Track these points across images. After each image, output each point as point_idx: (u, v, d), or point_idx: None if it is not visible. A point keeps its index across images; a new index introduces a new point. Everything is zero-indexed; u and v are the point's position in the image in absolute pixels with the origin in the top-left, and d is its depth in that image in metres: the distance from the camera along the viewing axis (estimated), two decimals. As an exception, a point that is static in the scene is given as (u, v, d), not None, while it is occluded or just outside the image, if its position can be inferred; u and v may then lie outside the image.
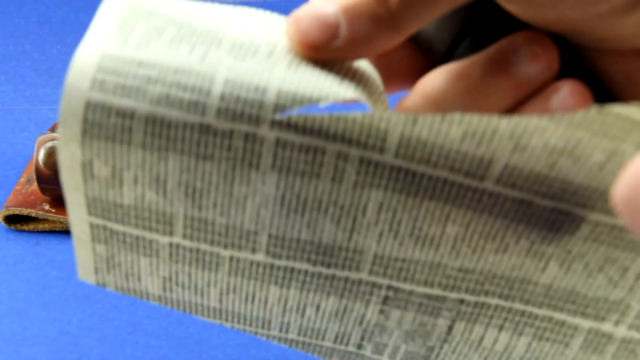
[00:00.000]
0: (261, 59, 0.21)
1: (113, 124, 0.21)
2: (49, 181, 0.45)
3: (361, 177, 0.22)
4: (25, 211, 0.46)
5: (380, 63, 0.26)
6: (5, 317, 0.40)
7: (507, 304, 0.25)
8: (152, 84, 0.20)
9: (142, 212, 0.23)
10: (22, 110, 0.57)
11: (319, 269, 0.24)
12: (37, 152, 0.45)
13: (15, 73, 0.61)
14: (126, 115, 0.21)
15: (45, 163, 0.45)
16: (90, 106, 0.21)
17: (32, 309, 0.41)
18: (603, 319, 0.25)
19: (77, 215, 0.23)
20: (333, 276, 0.24)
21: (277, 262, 0.23)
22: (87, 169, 0.22)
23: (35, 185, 0.47)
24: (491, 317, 0.25)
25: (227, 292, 0.25)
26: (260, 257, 0.23)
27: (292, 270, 0.24)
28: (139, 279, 0.25)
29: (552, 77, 0.23)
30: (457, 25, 0.25)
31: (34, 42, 0.65)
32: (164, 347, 0.39)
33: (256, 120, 0.21)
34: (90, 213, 0.23)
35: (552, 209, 0.22)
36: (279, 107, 0.20)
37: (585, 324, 0.25)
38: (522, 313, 0.25)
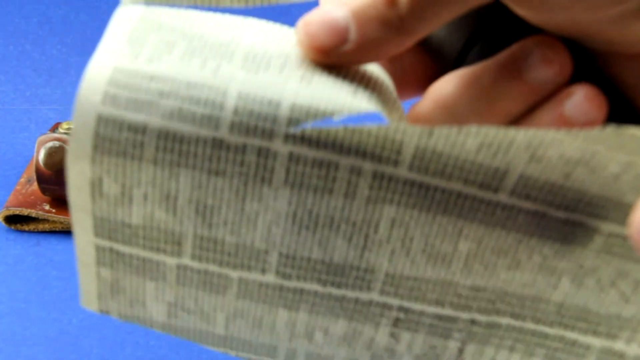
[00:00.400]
0: (274, 72, 0.21)
1: (125, 138, 0.20)
2: (49, 181, 0.45)
3: (374, 192, 0.21)
4: (25, 211, 0.46)
5: (391, 69, 0.26)
6: (5, 317, 0.40)
7: (518, 323, 0.24)
8: (165, 97, 0.20)
9: (150, 231, 0.22)
10: (22, 110, 0.57)
11: (329, 289, 0.23)
12: (37, 152, 0.45)
13: (15, 73, 0.61)
14: (138, 129, 0.20)
15: (46, 163, 0.45)
16: (101, 121, 0.20)
17: (32, 309, 0.41)
18: (615, 337, 0.25)
19: (82, 237, 0.23)
20: (343, 297, 0.23)
21: (286, 283, 0.23)
22: (96, 186, 0.21)
23: (35, 186, 0.47)
24: (502, 337, 0.25)
25: (234, 317, 0.24)
26: (270, 278, 0.23)
27: (302, 291, 0.23)
28: (144, 305, 0.24)
29: (565, 81, 0.23)
30: (468, 30, 0.25)
31: (34, 42, 0.65)
32: (164, 347, 0.39)
33: (269, 134, 0.20)
34: (97, 234, 0.23)
35: (566, 220, 0.22)
36: (292, 120, 0.20)
37: (597, 342, 0.25)
38: (533, 333, 0.25)
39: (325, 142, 0.21)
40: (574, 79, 0.23)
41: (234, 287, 0.23)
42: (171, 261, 0.23)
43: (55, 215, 0.46)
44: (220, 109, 0.20)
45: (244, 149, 0.21)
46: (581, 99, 0.22)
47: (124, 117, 0.20)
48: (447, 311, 0.24)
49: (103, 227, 0.22)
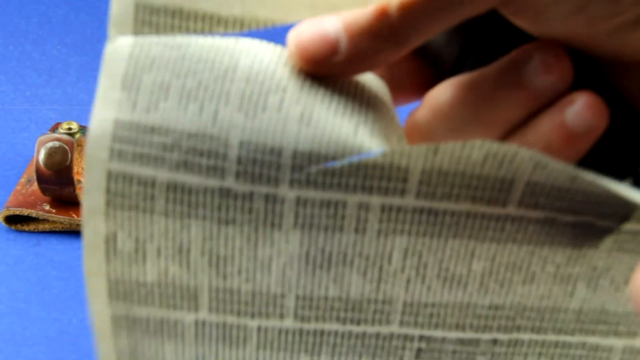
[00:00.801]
0: (272, 112, 0.21)
1: (135, 192, 0.21)
2: (49, 181, 0.45)
3: (384, 225, 0.22)
4: (25, 211, 0.46)
5: (387, 74, 0.26)
6: (5, 317, 0.40)
7: (540, 337, 0.24)
8: (169, 151, 0.20)
9: (166, 289, 0.22)
10: (22, 110, 0.57)
11: (349, 327, 0.23)
12: (38, 152, 0.45)
13: (15, 73, 0.61)
14: (147, 183, 0.21)
15: (46, 163, 0.45)
16: (112, 176, 0.21)
17: (32, 309, 0.41)
18: (635, 335, 0.25)
19: (98, 306, 0.23)
20: (364, 334, 0.24)
21: (306, 326, 0.23)
22: (110, 243, 0.22)
23: (35, 186, 0.47)
24: (526, 354, 0.25)
25: None
26: (288, 323, 0.23)
27: (322, 333, 0.23)
28: None
29: (566, 88, 0.22)
30: (466, 37, 0.24)
31: (34, 42, 0.65)
32: (163, 347, 0.39)
33: (275, 180, 0.21)
34: (111, 297, 0.23)
35: (575, 223, 0.22)
36: (296, 167, 0.20)
37: (619, 342, 0.25)
38: (556, 344, 0.25)
39: (330, 183, 0.21)
40: (575, 85, 0.23)
41: (253, 337, 0.23)
42: (189, 317, 0.23)
43: (55, 215, 0.46)
44: (223, 159, 0.20)
45: (251, 196, 0.21)
46: (582, 107, 0.22)
47: (132, 172, 0.21)
48: (468, 334, 0.24)
49: (118, 290, 0.23)
